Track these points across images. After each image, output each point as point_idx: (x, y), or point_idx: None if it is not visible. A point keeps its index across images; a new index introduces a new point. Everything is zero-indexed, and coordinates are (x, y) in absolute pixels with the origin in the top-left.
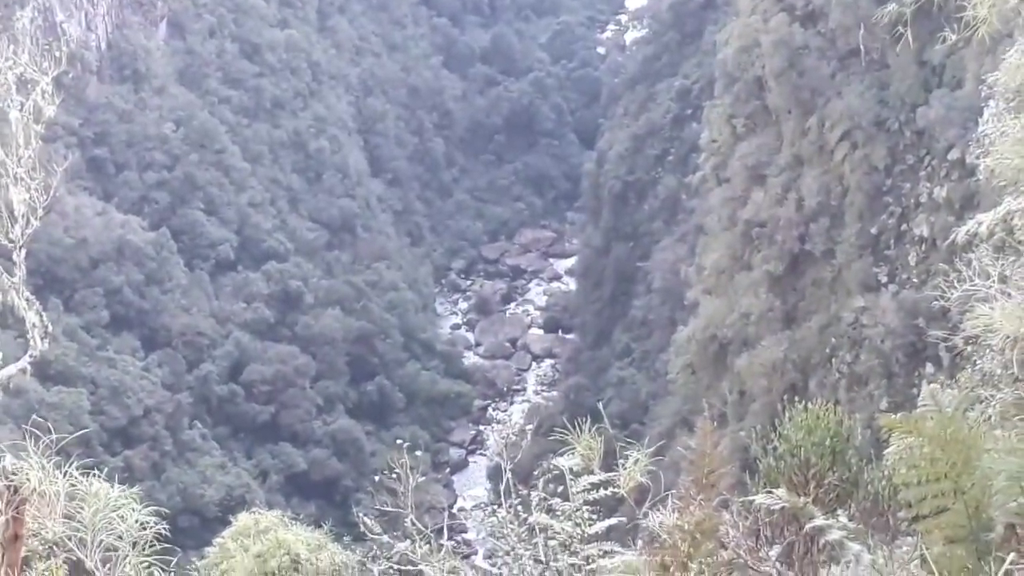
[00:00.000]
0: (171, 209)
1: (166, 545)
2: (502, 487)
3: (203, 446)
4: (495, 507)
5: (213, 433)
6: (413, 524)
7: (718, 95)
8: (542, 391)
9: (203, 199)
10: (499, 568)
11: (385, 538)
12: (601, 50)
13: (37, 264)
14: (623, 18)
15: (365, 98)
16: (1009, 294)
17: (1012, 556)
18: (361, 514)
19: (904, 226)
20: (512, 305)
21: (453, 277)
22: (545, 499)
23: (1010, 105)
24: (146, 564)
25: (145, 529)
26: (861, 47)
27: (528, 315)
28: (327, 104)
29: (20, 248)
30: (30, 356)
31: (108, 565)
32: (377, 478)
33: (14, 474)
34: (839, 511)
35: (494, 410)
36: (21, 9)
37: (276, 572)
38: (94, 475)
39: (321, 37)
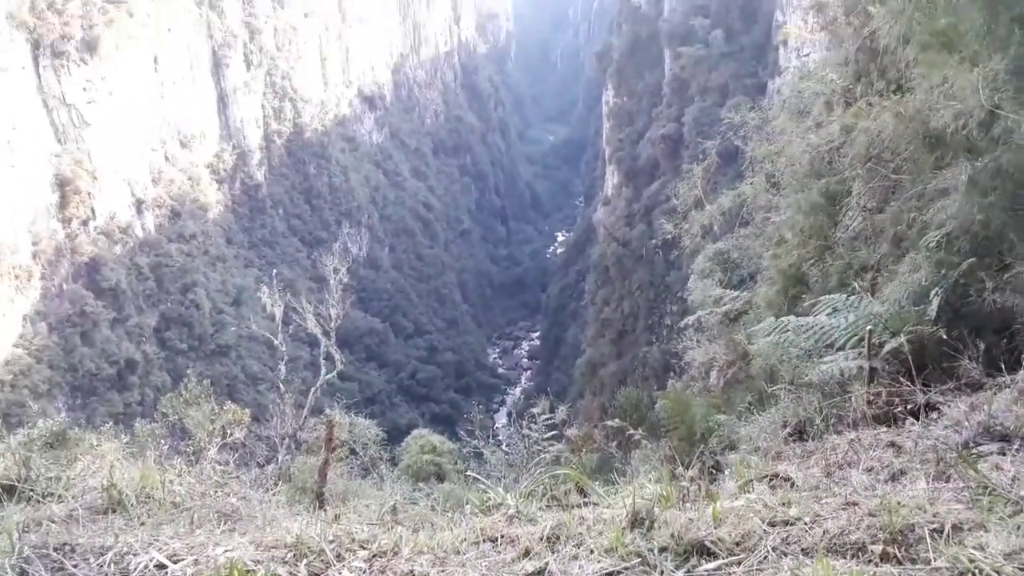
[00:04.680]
0: None
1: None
2: (513, 418)
3: None
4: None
5: None
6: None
7: None
8: (527, 383)
9: None
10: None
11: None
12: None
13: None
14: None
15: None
16: (700, 344)
17: (704, 447)
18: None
19: (663, 319)
20: (516, 350)
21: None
22: (529, 423)
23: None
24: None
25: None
26: None
27: (522, 352)
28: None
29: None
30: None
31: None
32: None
33: (329, 417)
34: (640, 429)
35: (509, 390)
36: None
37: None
38: (358, 415)
39: None
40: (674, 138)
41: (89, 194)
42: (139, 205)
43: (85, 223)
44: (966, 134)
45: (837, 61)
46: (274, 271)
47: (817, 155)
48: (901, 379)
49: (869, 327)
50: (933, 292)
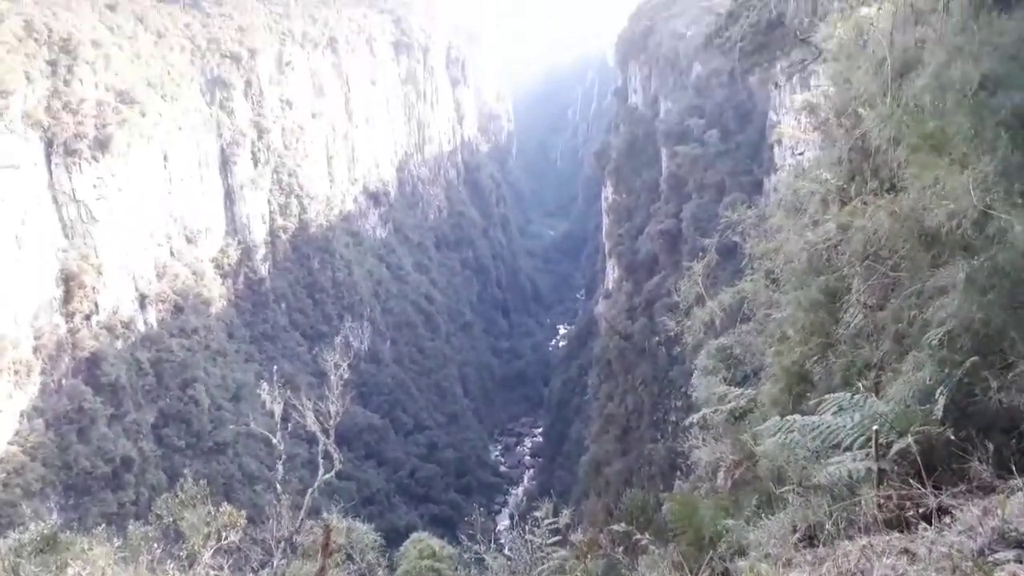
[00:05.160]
0: None
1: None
2: (515, 521)
3: None
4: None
5: None
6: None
7: None
8: (530, 482)
9: None
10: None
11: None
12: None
13: None
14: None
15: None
16: (706, 443)
17: (713, 553)
18: (474, 515)
19: (668, 415)
20: (518, 447)
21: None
22: (532, 527)
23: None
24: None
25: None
26: None
27: (524, 450)
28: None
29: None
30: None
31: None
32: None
33: (326, 521)
34: (647, 533)
35: (511, 490)
36: None
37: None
38: (355, 518)
39: None
40: (672, 233)
41: (94, 288)
42: (142, 300)
43: (88, 317)
44: (961, 233)
45: (830, 160)
46: (274, 367)
47: (815, 252)
48: (911, 481)
49: (875, 427)
50: (938, 391)
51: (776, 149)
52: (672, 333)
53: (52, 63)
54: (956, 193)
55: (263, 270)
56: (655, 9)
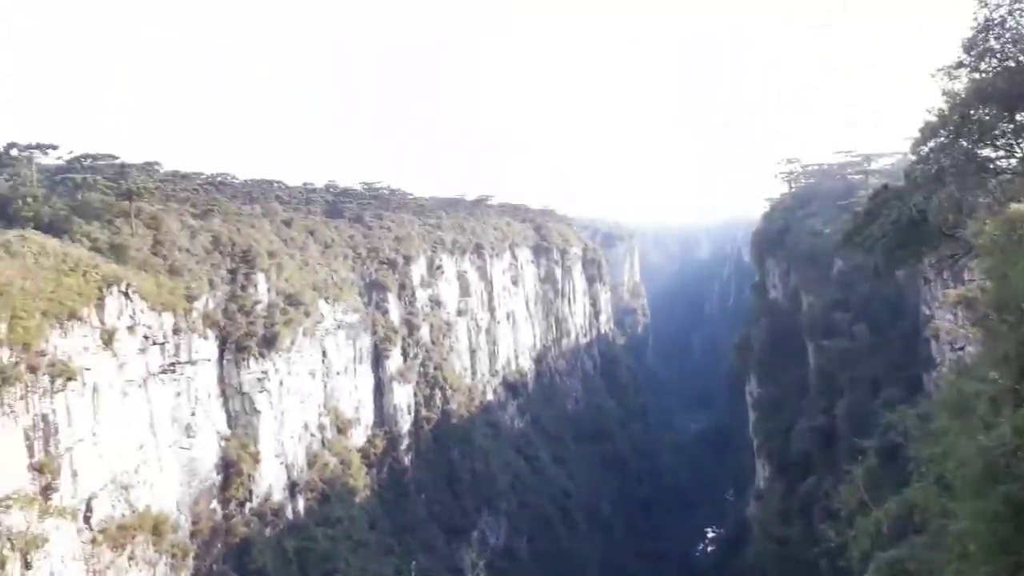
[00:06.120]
0: None
1: None
2: None
3: None
4: None
5: None
6: None
7: None
8: None
9: None
10: None
11: None
12: None
13: None
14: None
15: None
16: None
17: None
18: None
19: None
20: None
21: None
22: None
23: None
24: None
25: None
26: None
27: None
28: None
29: None
30: None
31: None
32: None
33: None
34: None
35: None
36: None
37: None
38: None
39: None
40: (825, 431)
41: (250, 476)
42: (293, 488)
43: (242, 504)
44: None
45: (996, 358)
46: (413, 561)
47: (991, 459)
48: None
49: None
50: None
51: (933, 344)
52: (833, 543)
53: (232, 271)
54: None
55: (406, 460)
56: (789, 209)
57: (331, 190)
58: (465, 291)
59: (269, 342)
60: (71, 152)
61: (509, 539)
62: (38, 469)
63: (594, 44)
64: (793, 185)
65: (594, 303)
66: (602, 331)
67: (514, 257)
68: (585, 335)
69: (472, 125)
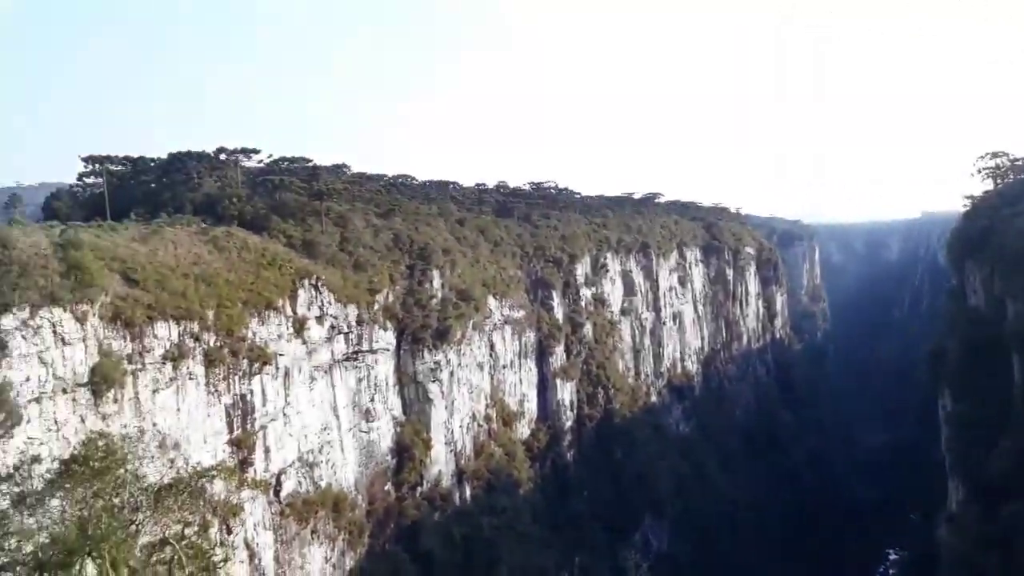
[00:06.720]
0: None
1: None
2: None
3: None
4: None
5: None
6: None
7: None
8: None
9: None
10: None
11: None
12: None
13: None
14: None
15: None
16: None
17: None
18: None
19: None
20: None
21: None
22: None
23: None
24: None
25: None
26: None
27: None
28: None
29: None
30: None
31: None
32: None
33: None
34: None
35: None
36: None
37: None
38: None
39: None
40: None
41: (421, 461)
42: (461, 475)
43: (413, 488)
44: None
45: None
46: (576, 557)
47: None
48: None
49: None
50: None
51: None
52: None
53: (410, 267)
54: None
55: (568, 456)
56: (994, 208)
57: (501, 190)
58: (630, 290)
59: (442, 335)
60: (271, 155)
61: (672, 544)
62: (236, 444)
63: (768, 40)
64: (1000, 181)
65: (768, 306)
66: (777, 336)
67: (682, 256)
68: (758, 339)
69: (643, 122)
